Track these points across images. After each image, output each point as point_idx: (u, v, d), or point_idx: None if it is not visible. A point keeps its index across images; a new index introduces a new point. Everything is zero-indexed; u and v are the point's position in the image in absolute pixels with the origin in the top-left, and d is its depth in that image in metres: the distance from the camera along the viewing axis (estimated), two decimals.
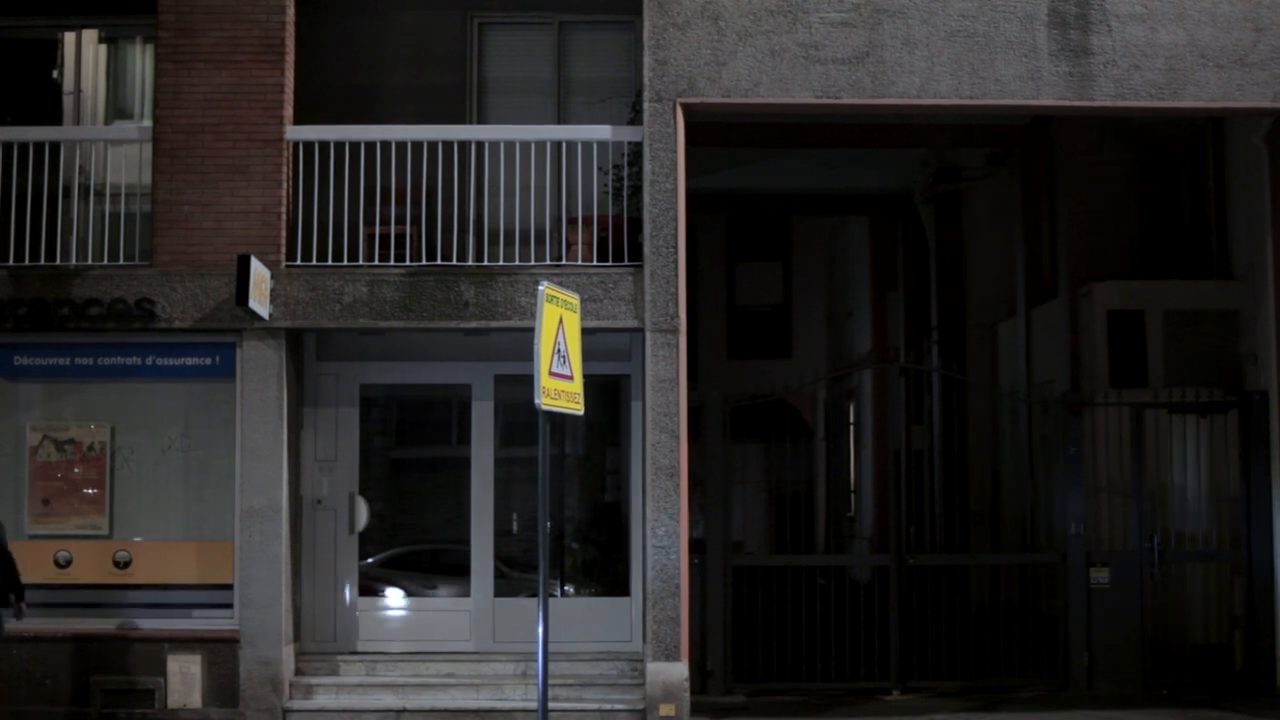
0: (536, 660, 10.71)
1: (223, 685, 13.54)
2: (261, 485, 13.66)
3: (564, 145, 14.19)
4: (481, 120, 15.08)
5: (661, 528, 13.52)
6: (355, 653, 14.27)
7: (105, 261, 13.92)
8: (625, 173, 14.50)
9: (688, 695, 13.48)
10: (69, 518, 13.98)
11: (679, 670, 13.45)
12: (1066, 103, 14.11)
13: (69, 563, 13.92)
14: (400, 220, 14.19)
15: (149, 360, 14.05)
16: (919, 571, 15.31)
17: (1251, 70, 14.02)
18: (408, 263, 14.01)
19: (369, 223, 14.16)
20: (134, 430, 14.03)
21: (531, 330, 10.66)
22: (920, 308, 23.44)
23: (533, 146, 14.12)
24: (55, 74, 15.20)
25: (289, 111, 14.02)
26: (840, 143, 18.74)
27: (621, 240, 14.09)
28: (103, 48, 15.15)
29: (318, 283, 13.85)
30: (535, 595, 11.23)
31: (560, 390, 10.77)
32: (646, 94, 13.93)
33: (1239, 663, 15.21)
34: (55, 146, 14.23)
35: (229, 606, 13.73)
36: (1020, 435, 18.90)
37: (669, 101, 13.90)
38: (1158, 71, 13.99)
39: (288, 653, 13.78)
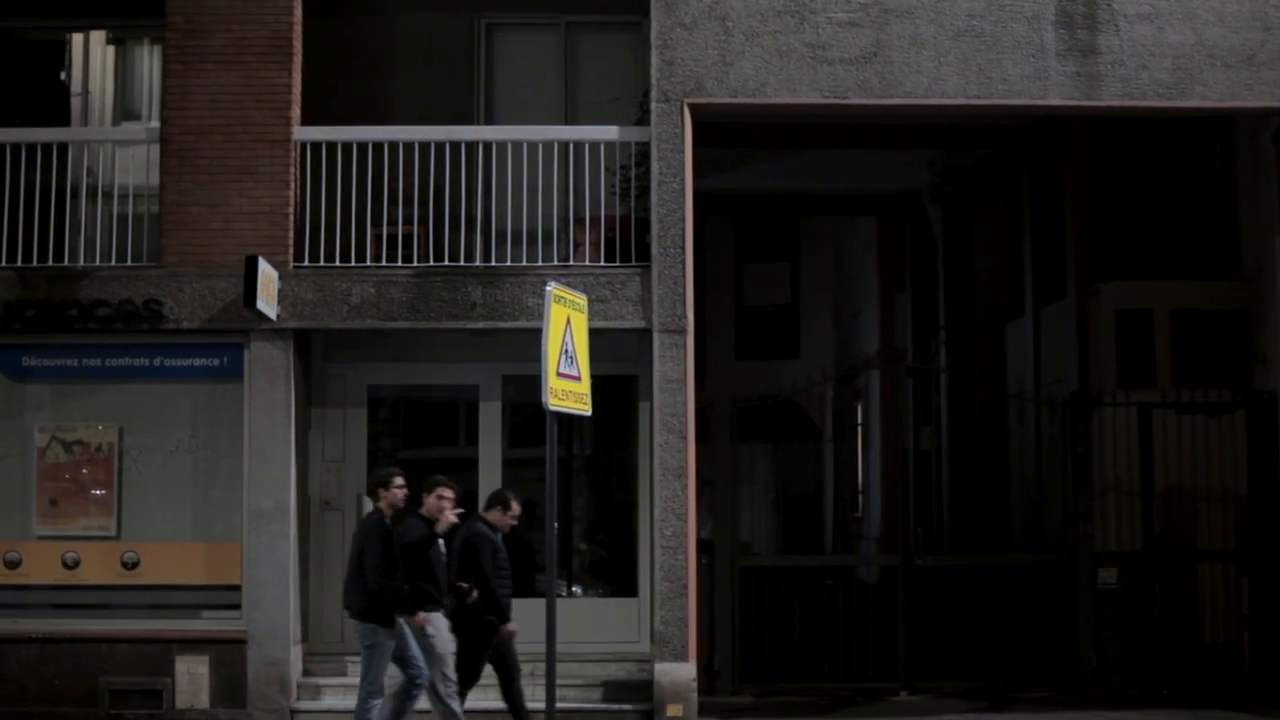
0: (544, 661, 10.71)
1: (230, 686, 13.55)
2: (269, 486, 13.67)
3: (571, 146, 14.18)
4: (489, 121, 15.10)
5: (669, 528, 13.51)
6: None
7: (113, 262, 13.93)
8: (633, 173, 14.50)
9: (695, 696, 13.47)
10: (77, 519, 13.99)
11: (686, 671, 13.44)
12: (1074, 103, 14.11)
13: (77, 563, 13.92)
14: (408, 221, 14.20)
15: (157, 361, 14.06)
16: (927, 572, 15.29)
17: (1259, 70, 14.00)
18: (415, 263, 14.02)
19: (376, 223, 14.15)
20: (142, 431, 14.03)
21: (539, 331, 10.65)
22: (928, 308, 23.39)
23: (540, 147, 14.12)
24: (63, 75, 15.23)
25: (297, 112, 14.02)
26: (848, 143, 18.73)
27: (629, 241, 14.09)
28: (110, 49, 15.18)
29: (325, 283, 13.86)
30: (543, 596, 11.22)
31: (568, 391, 10.77)
32: (654, 94, 13.93)
33: (1247, 663, 15.18)
34: (63, 147, 14.23)
35: (237, 607, 13.73)
36: (1028, 435, 18.87)
37: (676, 102, 13.89)
38: (1165, 71, 13.98)
39: (295, 653, 13.79)
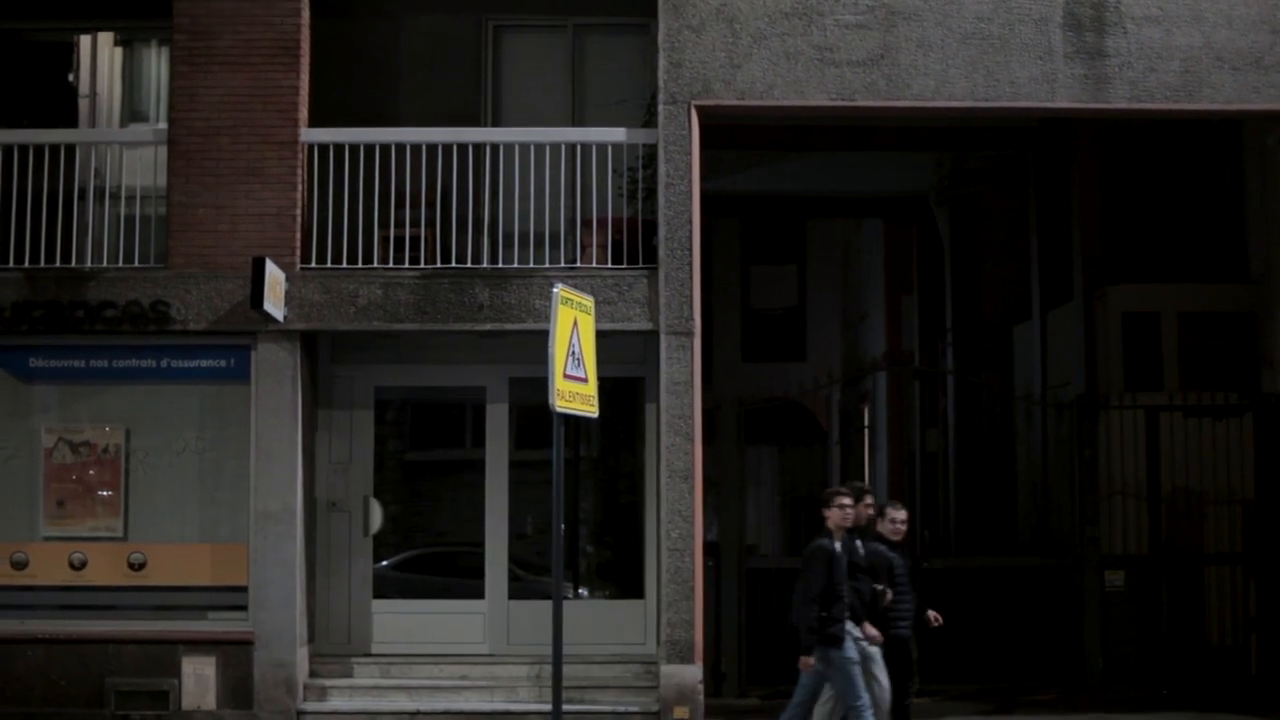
0: (550, 663, 10.72)
1: (237, 687, 13.56)
2: (276, 488, 13.68)
3: (579, 148, 14.18)
4: (496, 123, 15.09)
5: (676, 530, 13.50)
6: (369, 655, 14.28)
7: (120, 264, 13.94)
8: (640, 175, 14.50)
9: (702, 698, 13.47)
10: (84, 520, 14.00)
11: (693, 673, 13.43)
12: (1081, 105, 14.09)
13: (84, 565, 13.94)
14: (415, 223, 14.20)
15: (164, 362, 14.07)
16: (933, 574, 15.27)
17: (1267, 73, 13.98)
18: (422, 265, 14.02)
19: (384, 225, 14.17)
20: (149, 432, 14.04)
21: (546, 333, 10.66)
22: (935, 310, 23.37)
23: (547, 149, 14.11)
24: (71, 77, 15.23)
25: (304, 114, 14.03)
26: (855, 145, 18.73)
27: (636, 243, 14.09)
28: (118, 50, 15.17)
29: (332, 285, 13.86)
30: (549, 598, 11.23)
31: (575, 393, 10.78)
32: (661, 96, 13.93)
33: (1254, 666, 15.17)
34: (71, 149, 14.24)
35: (243, 609, 13.74)
36: (1035, 438, 18.86)
37: (684, 104, 13.89)
38: (1173, 74, 13.96)
39: (302, 655, 13.80)
